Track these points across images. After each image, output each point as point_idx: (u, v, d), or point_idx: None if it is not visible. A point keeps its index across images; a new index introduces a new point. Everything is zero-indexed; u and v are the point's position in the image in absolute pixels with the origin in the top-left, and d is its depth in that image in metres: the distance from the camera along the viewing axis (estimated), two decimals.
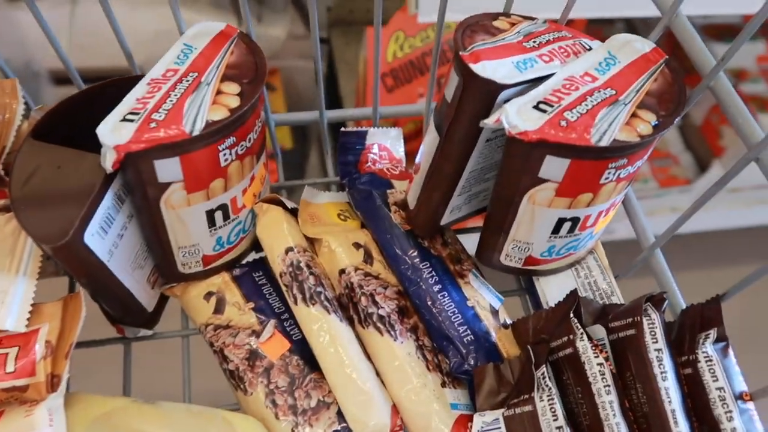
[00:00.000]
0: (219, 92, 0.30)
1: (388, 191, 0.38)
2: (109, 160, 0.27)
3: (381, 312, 0.34)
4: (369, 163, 0.41)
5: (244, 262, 0.38)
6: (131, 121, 0.28)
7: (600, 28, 1.03)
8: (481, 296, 0.36)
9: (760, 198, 1.12)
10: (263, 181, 0.36)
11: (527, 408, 0.30)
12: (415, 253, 0.36)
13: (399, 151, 0.43)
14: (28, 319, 0.28)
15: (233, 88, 0.31)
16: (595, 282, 0.38)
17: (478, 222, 0.37)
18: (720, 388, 0.29)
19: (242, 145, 0.31)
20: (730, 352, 0.30)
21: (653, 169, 1.11)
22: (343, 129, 0.41)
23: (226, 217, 0.34)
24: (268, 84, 0.94)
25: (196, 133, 0.28)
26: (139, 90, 0.30)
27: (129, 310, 0.34)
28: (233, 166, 0.31)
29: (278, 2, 0.89)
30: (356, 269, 0.36)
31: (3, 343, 0.27)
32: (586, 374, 0.30)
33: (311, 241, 0.36)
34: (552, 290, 0.37)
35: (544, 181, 0.30)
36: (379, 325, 0.34)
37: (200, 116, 0.29)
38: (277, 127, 0.97)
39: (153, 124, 0.28)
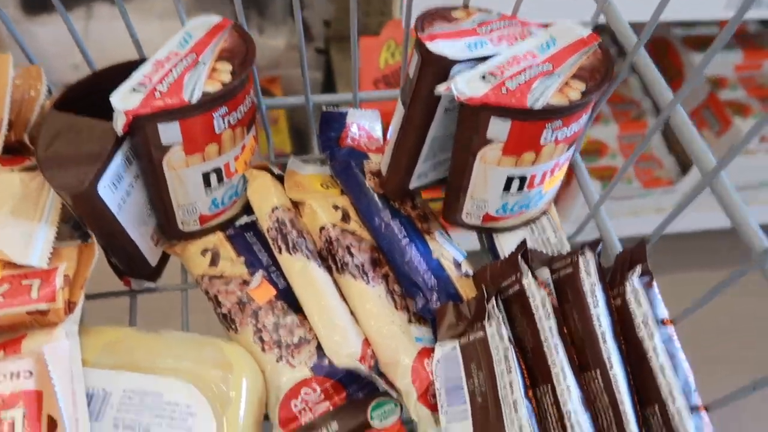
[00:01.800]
0: (214, 70, 0.36)
1: (365, 161, 0.44)
2: (120, 123, 0.33)
3: (356, 261, 0.39)
4: (348, 140, 0.46)
5: (237, 224, 0.43)
6: (139, 91, 0.34)
7: None
8: (446, 250, 0.41)
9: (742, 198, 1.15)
10: (253, 151, 0.41)
11: (479, 334, 0.35)
12: (387, 213, 0.41)
13: (376, 130, 0.48)
14: (49, 258, 0.33)
15: (226, 66, 0.36)
16: (548, 239, 0.42)
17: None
18: (644, 314, 0.34)
19: (233, 116, 0.36)
20: (654, 284, 0.35)
21: (637, 171, 1.15)
22: (324, 109, 0.46)
23: (220, 179, 0.39)
24: (268, 91, 1.00)
25: (194, 101, 0.34)
26: (145, 68, 0.35)
27: (134, 262, 0.40)
28: (226, 134, 0.37)
29: (278, 15, 0.96)
30: (334, 226, 0.40)
31: (28, 276, 0.32)
32: (530, 306, 0.35)
33: (296, 205, 0.41)
34: (510, 246, 0.42)
35: (491, 141, 0.35)
36: (353, 271, 0.39)
37: (197, 88, 0.34)
38: (277, 134, 1.03)
39: (157, 94, 0.34)
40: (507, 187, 0.38)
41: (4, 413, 0.27)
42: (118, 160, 0.35)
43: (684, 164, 1.18)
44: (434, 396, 0.35)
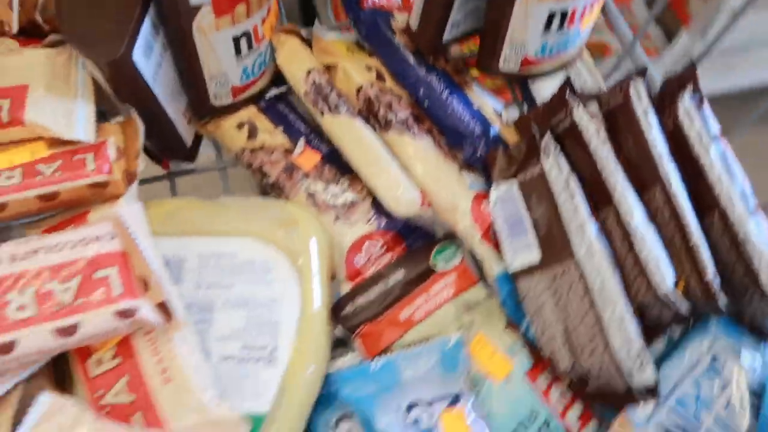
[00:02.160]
0: None
1: (391, 20, 0.42)
2: None
3: (399, 117, 0.38)
4: (369, 2, 0.44)
5: (267, 97, 0.42)
6: None
7: None
8: (485, 101, 0.41)
9: None
10: (277, 16, 0.39)
11: (536, 170, 0.35)
12: (422, 68, 0.40)
13: None
14: (95, 132, 0.32)
15: None
16: (585, 82, 0.42)
17: None
18: (697, 131, 0.34)
19: None
20: (705, 102, 0.35)
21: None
22: None
23: (249, 45, 0.37)
24: None
25: None
26: None
27: (171, 141, 0.38)
28: None
29: None
30: (372, 85, 0.39)
31: (78, 152, 0.31)
32: (583, 137, 0.35)
33: (327, 70, 0.40)
34: (547, 92, 0.41)
35: None
36: (398, 127, 0.38)
37: None
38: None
39: None
40: (548, 25, 0.37)
41: (97, 273, 0.27)
42: (146, 26, 0.33)
43: (669, 33, 1.18)
44: (495, 235, 0.36)
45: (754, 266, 0.33)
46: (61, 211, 0.32)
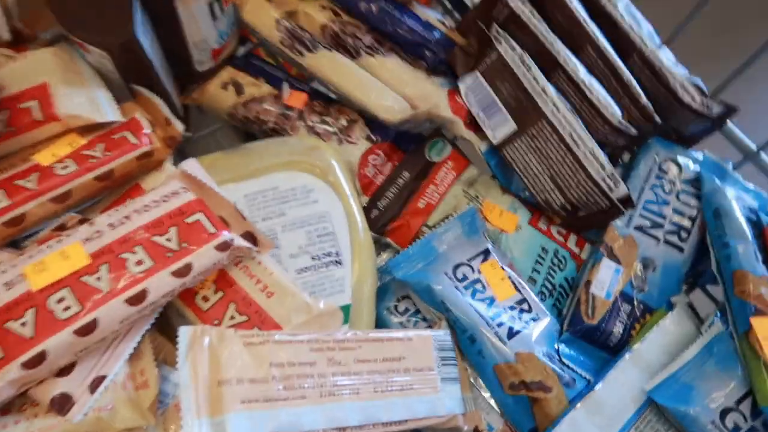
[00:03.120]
0: None
1: None
2: None
3: (366, 42, 0.43)
4: None
5: (237, 55, 0.45)
6: None
7: None
8: (428, 14, 0.47)
9: None
10: None
11: (493, 56, 0.42)
12: None
13: None
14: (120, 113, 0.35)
15: None
16: None
17: None
18: None
19: None
20: None
21: None
22: None
23: (221, 8, 0.41)
24: None
25: None
26: None
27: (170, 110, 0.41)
28: None
29: None
30: (333, 21, 0.44)
31: (114, 132, 0.34)
32: (522, 19, 0.42)
33: (289, 15, 0.44)
34: None
35: None
36: (368, 50, 0.43)
37: None
38: None
39: None
40: None
41: (188, 219, 0.31)
42: (136, 5, 0.35)
43: None
44: (474, 122, 0.43)
45: (671, 85, 0.42)
46: (107, 194, 0.35)
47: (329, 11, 0.45)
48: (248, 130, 0.44)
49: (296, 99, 0.43)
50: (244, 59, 0.45)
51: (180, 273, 0.30)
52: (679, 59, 0.42)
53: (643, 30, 0.42)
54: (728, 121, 0.41)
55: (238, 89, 0.43)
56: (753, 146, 0.44)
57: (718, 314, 0.36)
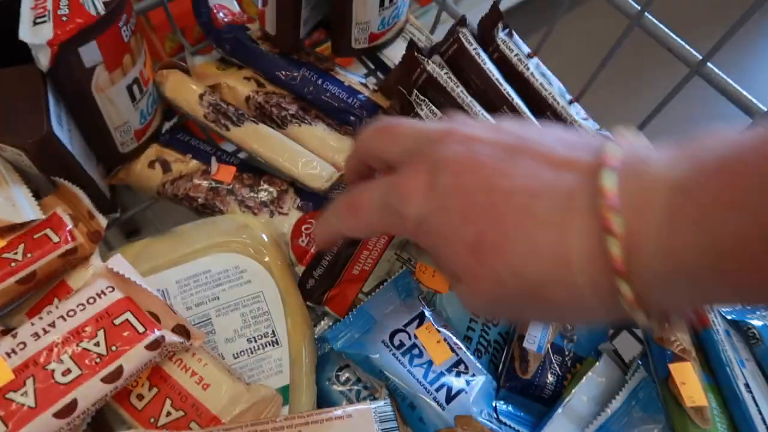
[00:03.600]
0: None
1: (248, 32, 0.47)
2: (44, 58, 0.33)
3: (291, 111, 0.44)
4: (220, 20, 0.48)
5: (163, 131, 0.45)
6: (44, 22, 0.34)
7: None
8: (351, 78, 0.48)
9: None
10: (151, 57, 0.43)
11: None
12: (292, 66, 0.46)
13: (234, 6, 0.51)
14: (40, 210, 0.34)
15: None
16: (419, 41, 0.51)
17: None
18: (516, 54, 0.45)
19: (131, 22, 0.38)
20: (514, 33, 0.46)
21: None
22: None
23: (140, 90, 0.40)
24: None
25: (102, 13, 0.35)
26: (27, 2, 0.35)
27: (97, 199, 0.41)
28: (133, 42, 0.38)
29: None
30: (257, 92, 0.45)
31: (34, 231, 0.33)
32: (440, 83, 0.44)
33: (212, 89, 0.45)
34: (397, 55, 0.50)
35: None
36: (294, 120, 0.44)
37: (96, 1, 0.35)
38: None
39: (64, 18, 0.34)
40: (382, 2, 0.45)
41: (116, 320, 0.30)
42: (51, 100, 0.35)
43: None
44: None
45: None
46: (33, 293, 0.34)
47: (253, 82, 0.45)
48: (180, 206, 0.44)
49: (225, 173, 0.43)
50: (170, 135, 0.45)
51: (111, 378, 0.29)
52: (588, 114, 0.45)
53: (553, 87, 0.45)
54: None
55: (165, 167, 0.43)
56: None
57: (641, 361, 0.38)
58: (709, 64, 0.38)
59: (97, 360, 0.29)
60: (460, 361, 0.39)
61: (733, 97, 0.38)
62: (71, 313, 0.30)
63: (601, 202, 0.21)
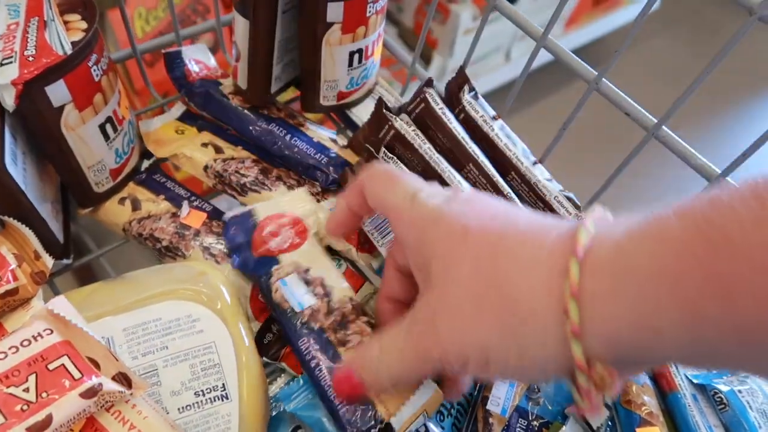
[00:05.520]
0: (66, 22, 0.37)
1: (220, 87, 0.48)
2: (9, 97, 0.33)
3: (249, 179, 0.44)
4: (193, 75, 0.49)
5: (141, 169, 0.44)
6: (10, 63, 0.33)
7: None
8: (321, 134, 0.49)
9: None
10: (127, 96, 0.43)
11: None
12: (261, 120, 0.46)
13: (211, 61, 0.52)
14: None
15: (75, 17, 0.37)
16: (388, 100, 0.52)
17: None
18: (482, 116, 0.46)
19: (103, 62, 0.38)
20: (479, 95, 0.47)
21: (394, 74, 1.32)
22: (164, 50, 0.49)
23: (114, 128, 0.40)
24: None
25: (69, 52, 0.35)
26: None
27: (47, 242, 0.39)
28: (104, 80, 0.38)
29: None
30: (215, 160, 0.45)
31: None
32: (408, 141, 0.44)
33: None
34: (365, 114, 0.51)
35: (332, 24, 0.43)
36: (254, 188, 0.44)
37: (63, 41, 0.35)
38: None
39: (30, 59, 0.34)
40: (350, 62, 0.46)
41: (50, 365, 0.28)
42: (8, 137, 0.34)
43: (425, 56, 1.38)
44: (368, 242, 0.43)
45: (548, 199, 0.45)
46: None
47: (210, 149, 0.46)
48: (144, 246, 0.42)
49: (194, 218, 0.42)
50: (146, 174, 0.44)
51: (38, 428, 0.27)
52: (552, 175, 0.45)
53: (518, 149, 0.46)
54: None
55: (135, 204, 0.42)
56: None
57: (609, 424, 0.36)
58: (664, 127, 0.39)
59: (24, 407, 0.27)
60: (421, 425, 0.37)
61: (689, 160, 0.39)
62: (1, 356, 0.28)
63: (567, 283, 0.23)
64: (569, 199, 0.45)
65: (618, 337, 0.22)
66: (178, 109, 0.49)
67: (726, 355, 0.21)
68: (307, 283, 0.38)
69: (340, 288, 0.38)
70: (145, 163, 0.45)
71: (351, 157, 0.48)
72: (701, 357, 0.22)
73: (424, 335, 0.27)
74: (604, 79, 0.41)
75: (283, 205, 0.42)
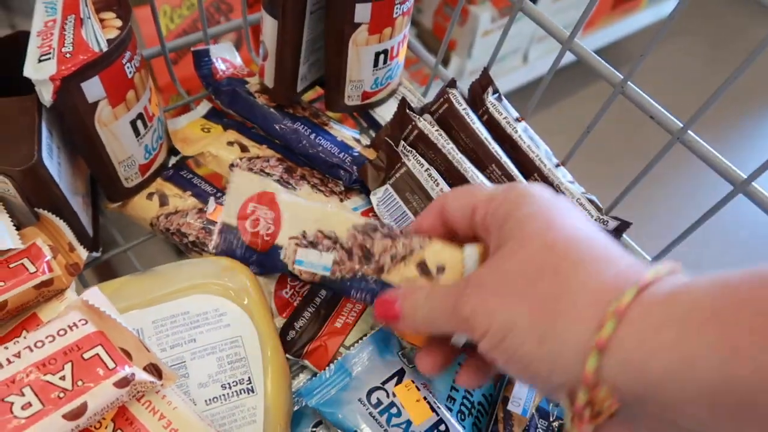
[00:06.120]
0: (102, 20, 0.37)
1: (246, 85, 0.48)
2: (47, 93, 0.34)
3: (275, 178, 0.45)
4: (220, 73, 0.50)
5: (169, 166, 0.45)
6: (48, 59, 0.34)
7: None
8: (344, 133, 0.49)
9: None
10: (158, 93, 0.43)
11: (402, 171, 0.44)
12: (286, 119, 0.47)
13: (237, 59, 0.52)
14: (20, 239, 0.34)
15: (110, 15, 0.38)
16: (411, 101, 0.53)
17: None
18: (505, 118, 0.46)
19: (136, 59, 0.39)
20: (503, 97, 0.47)
21: (412, 74, 1.32)
22: (192, 48, 0.49)
23: (145, 125, 0.41)
24: None
25: (105, 49, 0.35)
26: (35, 41, 0.36)
27: (77, 234, 0.40)
28: (137, 78, 0.39)
29: None
30: (241, 159, 0.45)
31: (11, 260, 0.32)
32: (431, 140, 0.45)
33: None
34: (388, 114, 0.51)
35: (359, 24, 0.43)
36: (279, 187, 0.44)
37: (99, 38, 0.36)
38: None
39: (68, 55, 0.35)
40: (376, 63, 0.47)
41: (85, 355, 0.29)
42: (44, 131, 0.35)
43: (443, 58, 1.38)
44: None
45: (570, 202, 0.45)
46: (1, 324, 0.33)
47: (236, 147, 0.46)
48: (170, 241, 0.43)
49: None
50: (173, 171, 0.45)
51: (73, 415, 0.28)
52: (574, 178, 0.46)
53: (541, 151, 0.46)
54: (623, 234, 0.44)
55: (162, 200, 0.43)
56: (648, 257, 0.47)
57: None
58: (690, 131, 0.39)
59: (61, 395, 0.28)
60: (440, 422, 0.37)
61: (714, 165, 0.39)
62: (39, 344, 0.29)
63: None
64: (591, 201, 0.45)
65: (646, 365, 0.22)
66: (204, 106, 0.50)
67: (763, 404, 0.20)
68: (313, 245, 0.37)
69: (339, 222, 0.37)
70: (172, 160, 0.46)
71: (374, 156, 0.48)
72: (728, 410, 0.21)
73: (466, 291, 0.28)
74: (629, 82, 0.41)
75: (238, 195, 0.38)
